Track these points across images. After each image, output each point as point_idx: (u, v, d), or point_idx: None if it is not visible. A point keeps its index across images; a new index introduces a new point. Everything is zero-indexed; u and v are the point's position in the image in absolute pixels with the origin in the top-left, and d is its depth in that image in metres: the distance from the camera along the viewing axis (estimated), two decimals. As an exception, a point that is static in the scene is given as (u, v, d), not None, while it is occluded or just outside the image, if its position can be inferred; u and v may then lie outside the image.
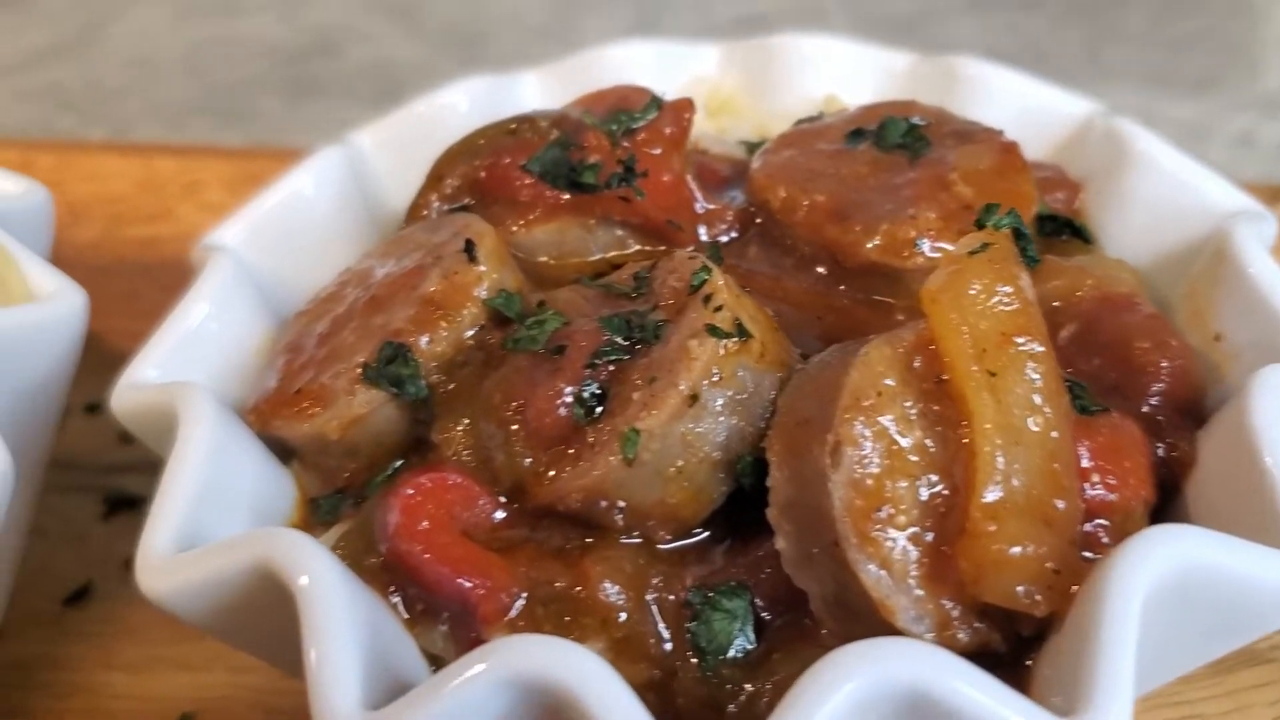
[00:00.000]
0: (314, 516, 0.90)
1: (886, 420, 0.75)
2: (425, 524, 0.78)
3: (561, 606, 0.78)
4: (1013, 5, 2.37)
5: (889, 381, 0.76)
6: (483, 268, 0.90)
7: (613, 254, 1.01)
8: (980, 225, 0.85)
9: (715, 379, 0.79)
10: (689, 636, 0.78)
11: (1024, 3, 2.38)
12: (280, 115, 2.07)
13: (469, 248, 0.90)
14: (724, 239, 1.03)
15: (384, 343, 0.87)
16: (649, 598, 0.79)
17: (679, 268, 0.87)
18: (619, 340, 0.83)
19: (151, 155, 1.60)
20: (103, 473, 1.32)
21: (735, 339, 0.80)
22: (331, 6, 2.40)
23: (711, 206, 1.02)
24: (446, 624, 0.80)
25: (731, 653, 0.78)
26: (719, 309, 0.81)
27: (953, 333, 0.76)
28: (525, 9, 2.39)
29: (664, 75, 1.28)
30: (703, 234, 1.02)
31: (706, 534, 0.83)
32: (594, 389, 0.81)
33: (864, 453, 0.74)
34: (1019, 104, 1.18)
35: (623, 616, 0.78)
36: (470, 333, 0.88)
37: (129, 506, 1.31)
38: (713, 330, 0.80)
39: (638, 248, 1.01)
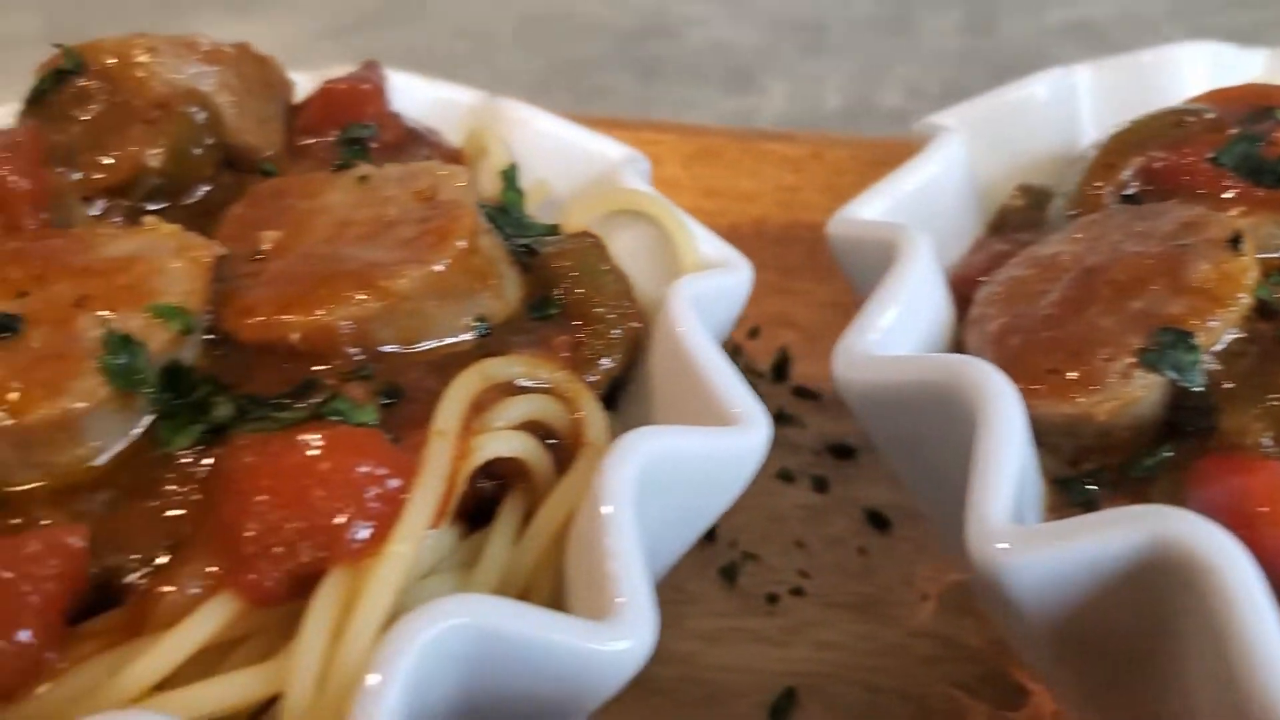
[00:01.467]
0: (1064, 498, 0.89)
1: None
2: (1292, 512, 0.78)
3: None
4: (1348, 21, 2.35)
5: None
6: (1248, 258, 0.89)
7: (1292, 250, 1.00)
8: None
9: None
10: None
11: (1359, 18, 2.36)
12: (634, 94, 2.07)
13: (1236, 239, 0.90)
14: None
15: (1160, 329, 0.87)
16: None
17: None
18: None
19: (597, 129, 1.60)
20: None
21: None
22: (651, -12, 2.41)
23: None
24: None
25: None
26: None
27: None
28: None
29: (1217, 77, 1.27)
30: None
31: None
32: None
33: None
34: None
35: None
36: (1239, 325, 0.88)
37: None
38: None
39: (1319, 246, 1.00)
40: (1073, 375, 0.89)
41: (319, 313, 0.84)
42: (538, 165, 1.16)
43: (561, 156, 1.15)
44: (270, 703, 0.73)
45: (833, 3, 2.38)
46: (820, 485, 1.30)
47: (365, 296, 0.84)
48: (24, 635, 0.68)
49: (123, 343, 0.80)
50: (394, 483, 0.76)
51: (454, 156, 1.18)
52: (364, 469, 0.75)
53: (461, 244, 0.88)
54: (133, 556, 0.77)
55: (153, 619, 0.74)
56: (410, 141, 1.15)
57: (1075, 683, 0.91)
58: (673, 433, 0.82)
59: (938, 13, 2.33)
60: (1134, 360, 0.87)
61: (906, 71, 2.13)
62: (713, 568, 1.22)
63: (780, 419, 1.37)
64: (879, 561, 1.23)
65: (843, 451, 1.34)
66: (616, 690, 0.78)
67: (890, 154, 1.62)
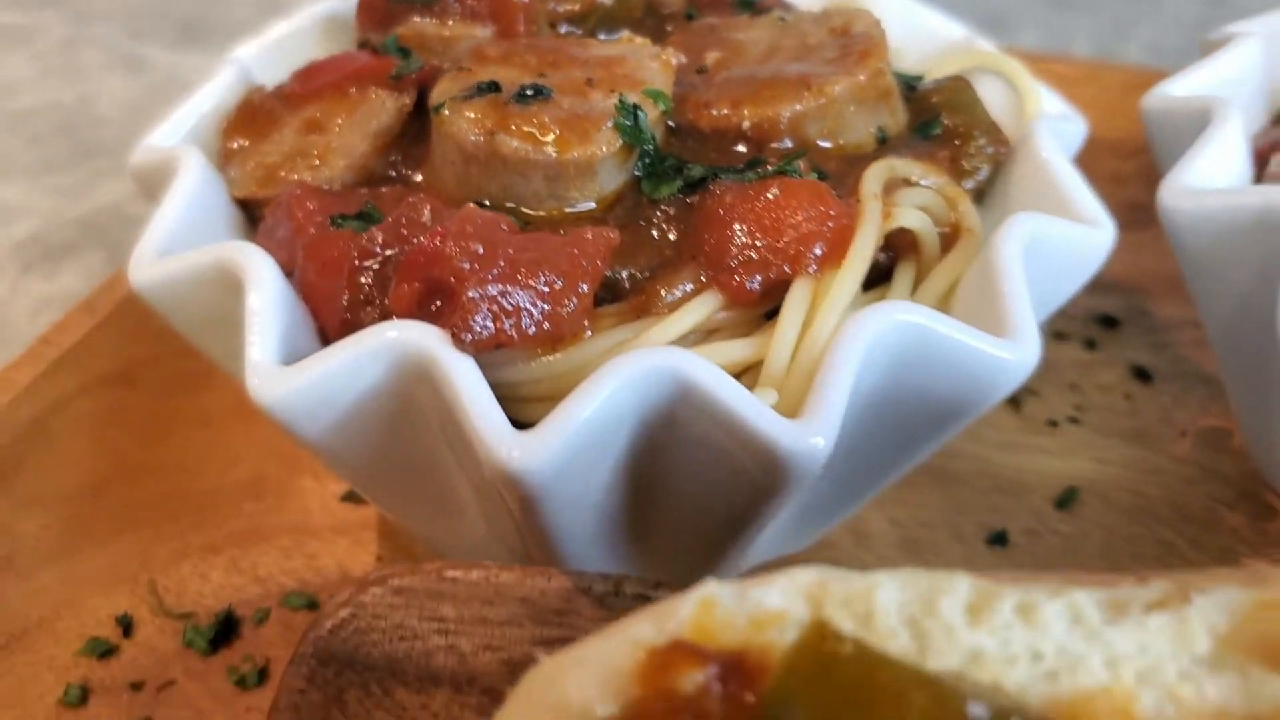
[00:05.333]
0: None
1: None
2: None
3: None
4: None
5: None
6: None
7: None
8: None
9: None
10: None
11: None
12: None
13: None
14: None
15: None
16: None
17: None
18: None
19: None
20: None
21: None
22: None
23: None
24: None
25: None
26: None
27: None
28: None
29: None
30: None
31: None
32: None
33: None
34: None
35: None
36: None
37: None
38: None
39: None
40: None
41: (768, 105, 1.08)
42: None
43: (910, 30, 1.37)
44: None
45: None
46: (1090, 345, 1.50)
47: (808, 94, 1.08)
48: (583, 288, 0.92)
49: (631, 109, 1.04)
50: (844, 221, 0.99)
51: (816, 27, 1.40)
52: (822, 207, 0.98)
53: (879, 64, 1.11)
54: (629, 269, 1.01)
55: (653, 308, 0.99)
56: (780, 6, 1.38)
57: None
58: (1048, 219, 1.04)
59: (1179, -18, 2.50)
60: None
61: (1148, 33, 2.30)
62: (999, 396, 1.42)
63: (1052, 293, 1.57)
64: (1143, 405, 1.43)
65: (1109, 321, 1.54)
66: (1001, 399, 1.00)
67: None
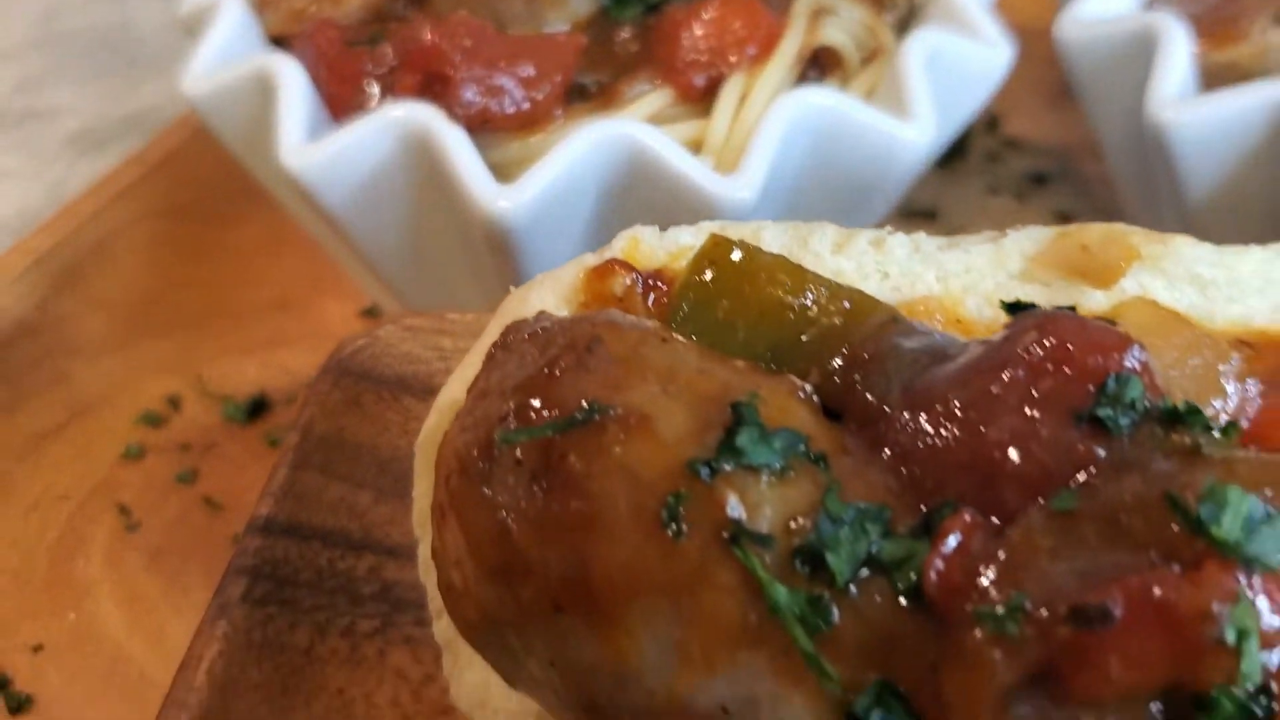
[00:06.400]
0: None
1: None
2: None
3: None
4: None
5: None
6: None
7: None
8: None
9: None
10: None
11: None
12: None
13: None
14: None
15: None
16: None
17: None
18: None
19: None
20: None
21: None
22: None
23: None
24: None
25: None
26: None
27: None
28: None
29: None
30: None
31: None
32: None
33: None
34: None
35: None
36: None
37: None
38: None
39: None
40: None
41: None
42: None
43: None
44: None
45: None
46: (1020, 197, 1.70)
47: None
48: (556, 78, 1.13)
49: (597, -56, 1.24)
50: (774, 30, 1.19)
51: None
52: (755, 18, 1.18)
53: (811, -87, 1.30)
54: (596, 77, 1.22)
55: (615, 103, 1.19)
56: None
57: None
58: (949, 35, 1.24)
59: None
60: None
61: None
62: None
63: (992, 158, 1.77)
64: (1063, 243, 1.61)
65: (1038, 179, 1.73)
66: (906, 180, 1.19)
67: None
